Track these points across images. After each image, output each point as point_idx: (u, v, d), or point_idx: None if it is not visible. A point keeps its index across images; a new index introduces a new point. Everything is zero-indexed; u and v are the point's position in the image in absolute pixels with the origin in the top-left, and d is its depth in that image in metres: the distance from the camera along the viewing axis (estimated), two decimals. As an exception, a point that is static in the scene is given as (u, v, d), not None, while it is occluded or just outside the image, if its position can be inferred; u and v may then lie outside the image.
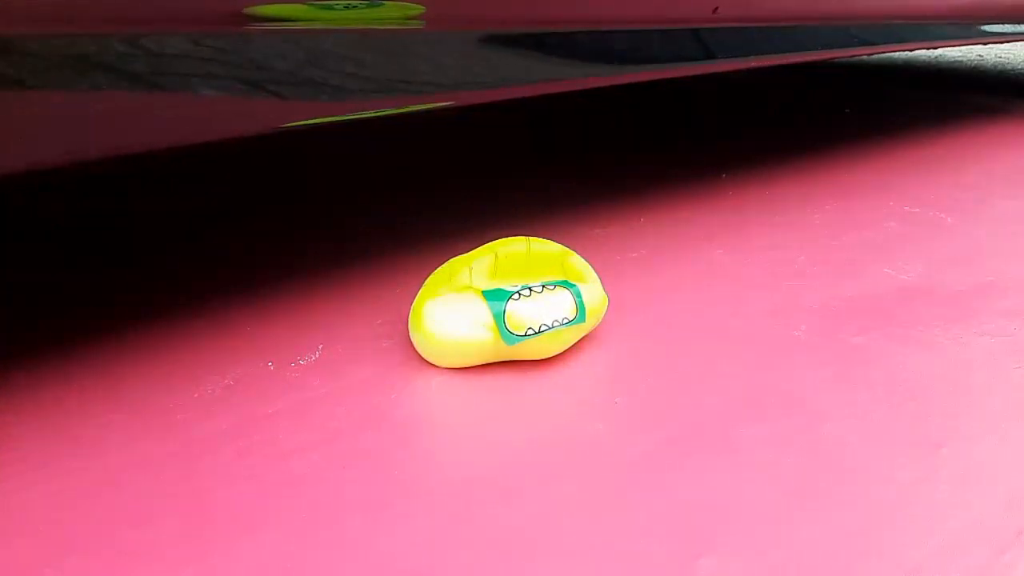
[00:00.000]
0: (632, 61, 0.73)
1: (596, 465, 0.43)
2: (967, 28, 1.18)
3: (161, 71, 0.44)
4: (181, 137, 0.46)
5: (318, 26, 0.50)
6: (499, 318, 0.51)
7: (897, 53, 2.54)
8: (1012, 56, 2.49)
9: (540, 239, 0.57)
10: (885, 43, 1.06)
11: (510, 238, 0.57)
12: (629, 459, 0.44)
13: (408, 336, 0.58)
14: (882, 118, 1.46)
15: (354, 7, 0.51)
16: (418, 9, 0.55)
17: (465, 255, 0.56)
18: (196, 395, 0.50)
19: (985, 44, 1.22)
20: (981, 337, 0.58)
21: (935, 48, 1.12)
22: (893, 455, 0.44)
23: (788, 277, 0.69)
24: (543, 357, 0.53)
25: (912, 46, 1.12)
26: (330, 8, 0.50)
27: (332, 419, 0.47)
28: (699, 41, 0.80)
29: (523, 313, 0.51)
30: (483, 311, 0.51)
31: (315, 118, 0.51)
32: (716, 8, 0.73)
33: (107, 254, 0.75)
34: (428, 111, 0.58)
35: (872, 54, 1.09)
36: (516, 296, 0.51)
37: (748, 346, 0.57)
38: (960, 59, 2.43)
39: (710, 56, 0.81)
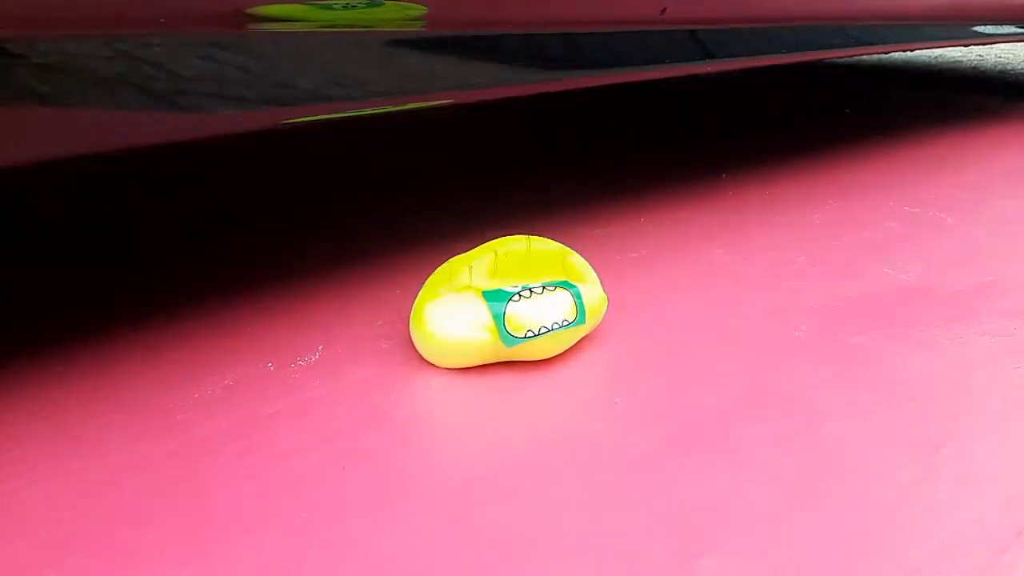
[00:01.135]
0: (586, 66, 0.70)
1: (596, 465, 0.43)
2: (937, 30, 1.15)
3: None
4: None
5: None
6: (499, 320, 0.51)
7: (898, 53, 2.54)
8: (1012, 56, 2.49)
9: (540, 238, 0.57)
10: (852, 45, 1.02)
11: (510, 237, 0.57)
12: (629, 459, 0.44)
13: (408, 336, 0.58)
14: (882, 118, 1.46)
15: (353, 7, 0.51)
16: (420, 9, 0.55)
17: (465, 254, 0.56)
18: (196, 395, 0.50)
19: (966, 45, 1.21)
20: (981, 337, 0.58)
21: (908, 51, 1.10)
22: (893, 455, 0.44)
23: (788, 277, 0.69)
24: (543, 357, 0.53)
25: (885, 48, 1.08)
26: (329, 8, 0.50)
27: (332, 419, 0.47)
28: (654, 43, 0.76)
29: (523, 315, 0.51)
30: (483, 312, 0.51)
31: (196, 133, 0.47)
32: (664, 9, 0.68)
33: (107, 254, 0.75)
34: (427, 111, 0.58)
35: (839, 57, 1.04)
36: (516, 298, 0.51)
37: (748, 346, 0.57)
38: (960, 59, 2.43)
39: (663, 60, 0.77)
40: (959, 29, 1.17)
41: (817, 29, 0.94)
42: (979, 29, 1.21)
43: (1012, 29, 1.27)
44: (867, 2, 0.97)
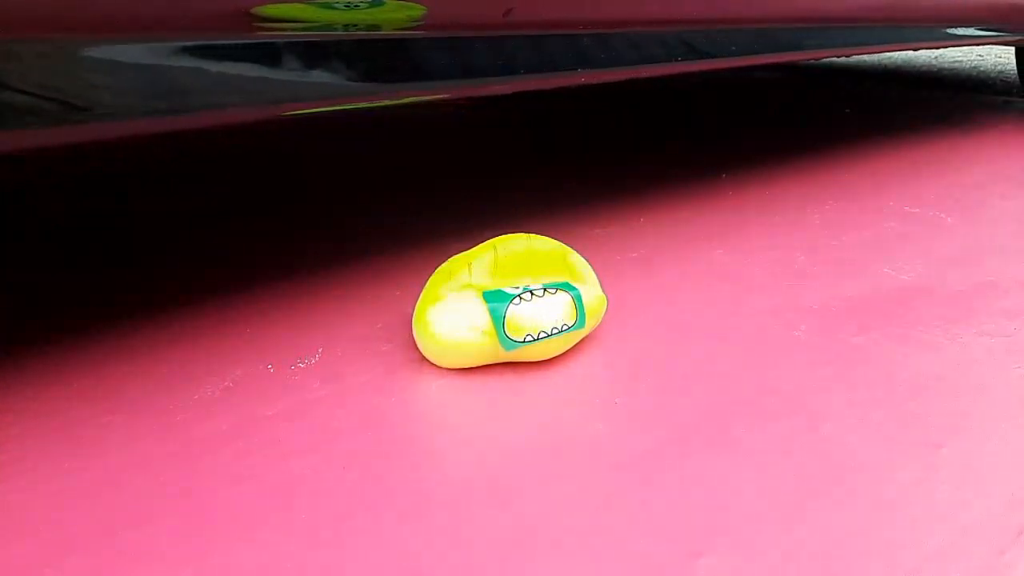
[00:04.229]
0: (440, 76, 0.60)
1: (596, 465, 0.43)
2: (894, 32, 1.10)
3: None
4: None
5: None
6: (498, 323, 0.51)
7: (897, 53, 2.54)
8: (1012, 57, 2.48)
9: (540, 236, 0.57)
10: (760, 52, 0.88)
11: (510, 235, 0.57)
12: (629, 459, 0.44)
13: (408, 337, 0.58)
14: (882, 118, 1.46)
15: (356, 7, 0.51)
16: (420, 10, 0.55)
17: (465, 253, 0.56)
18: (196, 396, 0.50)
19: (916, 49, 1.20)
20: (981, 337, 0.58)
21: (850, 56, 1.07)
22: (893, 455, 0.44)
23: (788, 277, 0.69)
24: (543, 358, 0.53)
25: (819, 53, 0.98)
26: (332, 8, 0.50)
27: (332, 420, 0.47)
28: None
29: (522, 319, 0.51)
30: (484, 314, 0.51)
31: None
32: (508, 11, 0.60)
33: (107, 254, 0.75)
34: (427, 111, 0.56)
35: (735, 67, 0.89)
36: (517, 300, 0.51)
37: (748, 346, 0.57)
38: (960, 59, 2.43)
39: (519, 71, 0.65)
40: (917, 32, 1.14)
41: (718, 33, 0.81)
42: (951, 31, 1.20)
43: (974, 31, 1.26)
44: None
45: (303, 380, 0.52)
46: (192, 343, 0.57)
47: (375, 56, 0.55)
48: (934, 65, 2.29)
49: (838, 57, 1.73)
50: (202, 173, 1.06)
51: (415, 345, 0.56)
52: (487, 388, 0.51)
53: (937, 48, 1.28)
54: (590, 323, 0.55)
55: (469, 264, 0.54)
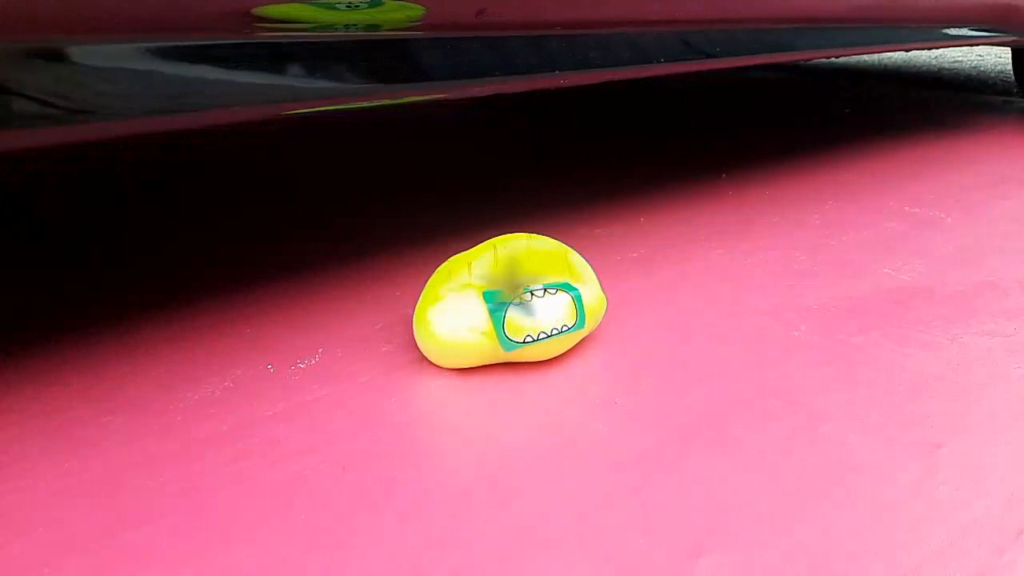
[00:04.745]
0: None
1: (596, 465, 0.43)
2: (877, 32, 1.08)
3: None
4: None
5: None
6: (498, 324, 0.50)
7: (897, 53, 2.54)
8: (1011, 56, 2.48)
9: (539, 236, 0.57)
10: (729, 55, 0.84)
11: (509, 235, 0.57)
12: (629, 459, 0.44)
13: (408, 337, 0.58)
14: (882, 118, 1.46)
15: (356, 7, 0.51)
16: (419, 10, 0.55)
17: (465, 253, 0.56)
18: (196, 396, 0.50)
19: (910, 50, 1.19)
20: (981, 337, 0.58)
21: (834, 57, 1.04)
22: (893, 455, 0.44)
23: (788, 277, 0.69)
24: (544, 359, 0.53)
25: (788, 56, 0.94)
26: (333, 8, 0.50)
27: (332, 421, 0.47)
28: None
29: (522, 320, 0.51)
30: (484, 315, 0.51)
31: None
32: (481, 10, 0.59)
33: (106, 254, 0.75)
34: (427, 111, 0.56)
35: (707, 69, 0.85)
36: (517, 301, 0.51)
37: (748, 346, 0.57)
38: (960, 59, 2.43)
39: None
40: (910, 33, 1.13)
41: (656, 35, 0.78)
42: (948, 31, 1.19)
43: (970, 32, 1.26)
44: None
45: (303, 380, 0.52)
46: (192, 343, 0.57)
47: (375, 56, 0.55)
48: (934, 65, 2.29)
49: (837, 57, 1.73)
50: (200, 173, 1.06)
51: (415, 345, 0.56)
52: (487, 388, 0.51)
53: (934, 48, 1.28)
54: (590, 323, 0.55)
55: (469, 264, 0.54)
